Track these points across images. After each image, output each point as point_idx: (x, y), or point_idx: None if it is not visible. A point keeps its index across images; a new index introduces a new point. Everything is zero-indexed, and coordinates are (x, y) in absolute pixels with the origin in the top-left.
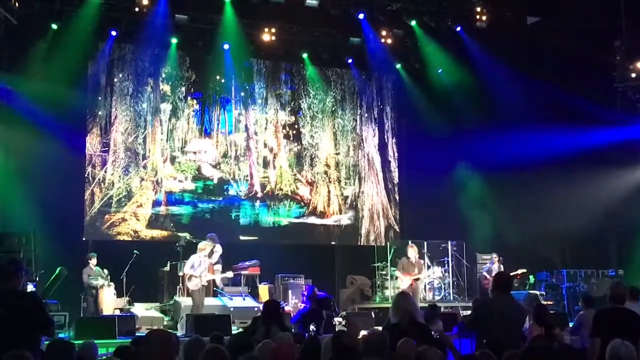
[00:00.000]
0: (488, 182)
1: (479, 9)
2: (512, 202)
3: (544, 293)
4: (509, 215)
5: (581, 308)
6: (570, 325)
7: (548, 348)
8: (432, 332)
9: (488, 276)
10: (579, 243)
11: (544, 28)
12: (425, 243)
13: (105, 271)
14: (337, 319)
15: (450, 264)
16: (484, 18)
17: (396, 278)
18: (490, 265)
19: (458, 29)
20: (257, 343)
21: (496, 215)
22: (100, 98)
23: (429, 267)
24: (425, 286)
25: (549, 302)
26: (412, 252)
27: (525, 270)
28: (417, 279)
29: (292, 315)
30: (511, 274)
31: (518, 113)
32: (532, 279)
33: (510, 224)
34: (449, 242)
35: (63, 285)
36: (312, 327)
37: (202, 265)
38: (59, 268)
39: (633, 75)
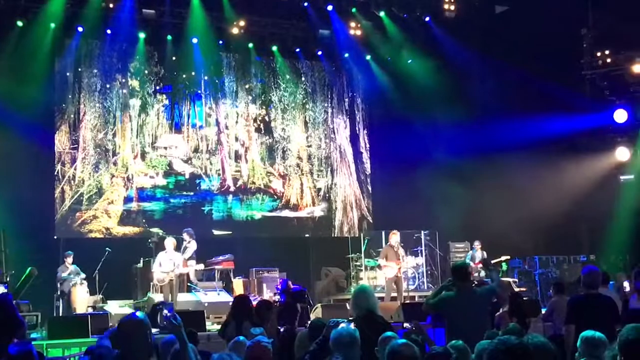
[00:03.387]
0: (460, 170)
1: None
2: (484, 190)
3: (517, 280)
4: (481, 204)
5: (553, 295)
6: (543, 311)
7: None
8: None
9: (472, 264)
10: (550, 229)
11: (512, 17)
12: (398, 233)
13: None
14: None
15: (423, 253)
16: (452, 8)
17: (378, 267)
18: (473, 252)
19: (427, 19)
20: (228, 340)
21: (468, 204)
22: (67, 95)
23: (402, 257)
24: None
25: (522, 289)
26: (395, 239)
27: (509, 257)
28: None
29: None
30: (494, 260)
31: (488, 101)
32: (504, 265)
33: (482, 212)
34: (422, 231)
35: (34, 284)
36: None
37: (170, 262)
38: (29, 268)
39: (600, 62)
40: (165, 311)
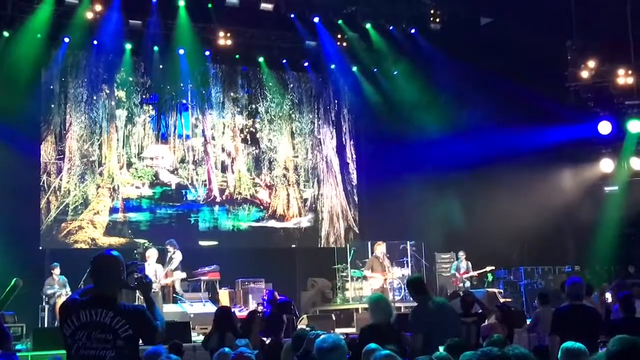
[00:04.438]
0: (445, 181)
1: (432, 11)
2: (470, 201)
3: (502, 291)
4: (467, 214)
5: (538, 305)
6: (528, 322)
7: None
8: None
9: (457, 274)
10: (536, 240)
11: (497, 28)
12: (384, 244)
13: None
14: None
15: (409, 264)
16: (437, 20)
17: (364, 278)
18: (458, 263)
19: (413, 31)
20: (212, 352)
21: (453, 215)
22: (54, 105)
23: (388, 268)
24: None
25: (507, 300)
26: (381, 249)
27: (493, 268)
28: (386, 280)
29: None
30: (479, 271)
31: (473, 113)
32: (490, 276)
33: (468, 223)
34: (408, 242)
35: (20, 295)
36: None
37: (152, 274)
38: (14, 279)
39: (584, 74)
40: (136, 272)
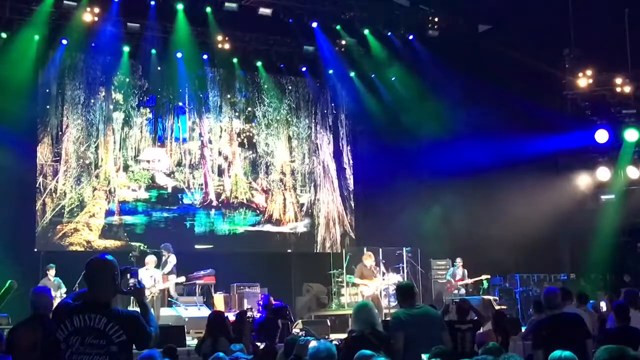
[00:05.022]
0: (442, 188)
1: (431, 18)
2: (466, 208)
3: (498, 298)
4: (463, 221)
5: (533, 313)
6: (523, 330)
7: None
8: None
9: (453, 281)
10: (532, 248)
11: (495, 36)
12: (380, 250)
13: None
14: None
15: (405, 270)
16: (436, 27)
17: (354, 285)
18: (454, 269)
19: (411, 37)
20: (205, 357)
21: (450, 222)
22: (51, 107)
23: (384, 273)
24: (380, 292)
25: (502, 307)
26: (369, 262)
27: (489, 276)
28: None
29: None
30: (475, 279)
31: (470, 120)
32: (485, 283)
33: (464, 230)
34: (404, 248)
35: (14, 297)
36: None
37: (150, 279)
38: (9, 281)
39: (581, 83)
40: (130, 277)
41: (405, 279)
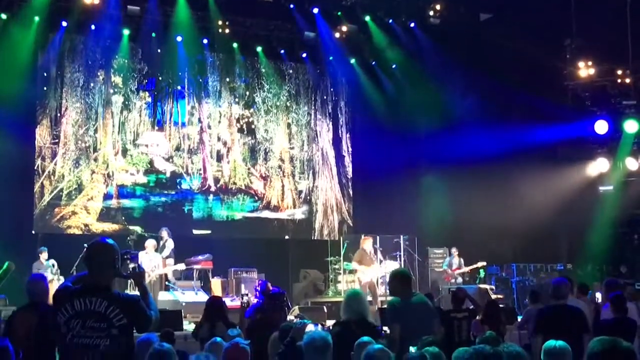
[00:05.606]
0: (440, 177)
1: (432, 5)
2: (464, 197)
3: (494, 287)
4: (461, 210)
5: (529, 303)
6: (519, 319)
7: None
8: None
9: (449, 270)
10: (529, 237)
11: (496, 24)
12: (378, 237)
13: (55, 264)
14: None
15: (402, 258)
16: (437, 14)
17: (352, 271)
18: (450, 259)
19: (412, 24)
20: (202, 341)
21: (448, 210)
22: (49, 89)
23: (381, 261)
24: (377, 280)
25: (498, 296)
26: (368, 245)
27: (485, 263)
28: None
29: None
30: (471, 267)
31: (470, 109)
32: (482, 272)
33: (462, 219)
34: (401, 236)
35: (12, 279)
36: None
37: (150, 263)
38: (7, 262)
39: (582, 73)
40: (130, 261)
41: (403, 267)
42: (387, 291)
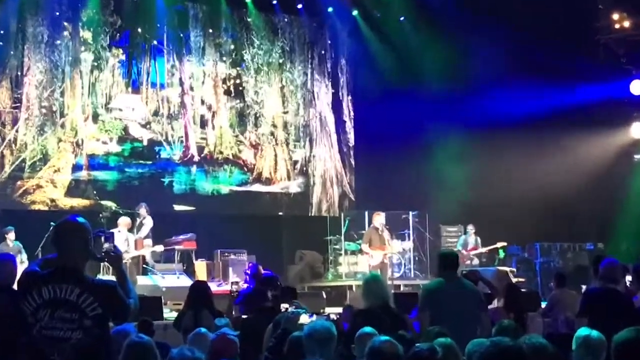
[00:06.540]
0: (453, 145)
1: None
2: (480, 168)
3: (515, 269)
4: (478, 183)
5: (554, 287)
6: (543, 305)
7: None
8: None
9: (464, 251)
10: (554, 213)
11: None
12: (383, 214)
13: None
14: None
15: (411, 237)
16: None
17: (360, 252)
18: (466, 237)
19: None
20: (185, 332)
21: (463, 183)
22: (8, 46)
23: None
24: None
25: (520, 280)
26: (379, 220)
27: (505, 244)
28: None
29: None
30: (489, 247)
31: (489, 68)
32: (502, 253)
33: (479, 192)
34: (410, 212)
35: None
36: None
37: (124, 243)
38: None
39: (617, 26)
40: (104, 242)
41: (412, 247)
42: (394, 274)
